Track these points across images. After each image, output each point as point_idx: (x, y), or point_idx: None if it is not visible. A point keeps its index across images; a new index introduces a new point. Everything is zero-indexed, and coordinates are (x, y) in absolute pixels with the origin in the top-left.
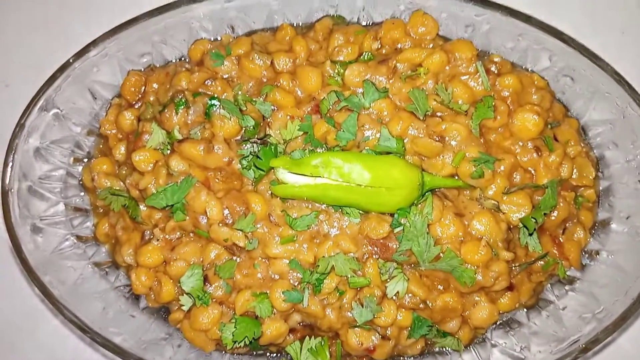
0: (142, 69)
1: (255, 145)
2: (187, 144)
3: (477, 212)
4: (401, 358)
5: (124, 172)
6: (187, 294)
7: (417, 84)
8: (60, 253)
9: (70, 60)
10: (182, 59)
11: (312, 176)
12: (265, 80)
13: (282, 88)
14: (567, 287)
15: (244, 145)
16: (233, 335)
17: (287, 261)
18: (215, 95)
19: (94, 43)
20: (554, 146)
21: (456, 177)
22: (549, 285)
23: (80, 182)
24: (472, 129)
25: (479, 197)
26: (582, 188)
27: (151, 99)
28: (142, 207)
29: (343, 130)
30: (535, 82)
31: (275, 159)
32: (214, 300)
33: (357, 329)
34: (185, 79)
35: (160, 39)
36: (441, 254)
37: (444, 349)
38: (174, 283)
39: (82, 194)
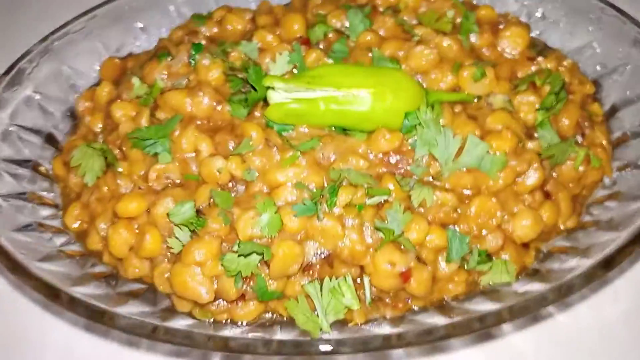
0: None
1: (243, 81)
2: (171, 93)
3: (491, 113)
4: (444, 301)
5: (100, 140)
6: (177, 227)
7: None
8: (23, 233)
9: (48, 34)
10: None
11: (309, 90)
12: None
13: (266, 29)
14: (606, 204)
15: (232, 87)
16: (237, 258)
17: (292, 186)
18: (200, 42)
19: (73, 20)
20: (546, 53)
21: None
22: (587, 208)
23: (51, 174)
24: (462, 43)
25: (486, 103)
26: (588, 102)
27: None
28: (120, 169)
29: (334, 51)
30: (509, 18)
31: (268, 75)
32: (211, 234)
33: (385, 251)
34: (166, 41)
35: (140, 24)
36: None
37: (493, 287)
38: (159, 231)
39: (52, 187)
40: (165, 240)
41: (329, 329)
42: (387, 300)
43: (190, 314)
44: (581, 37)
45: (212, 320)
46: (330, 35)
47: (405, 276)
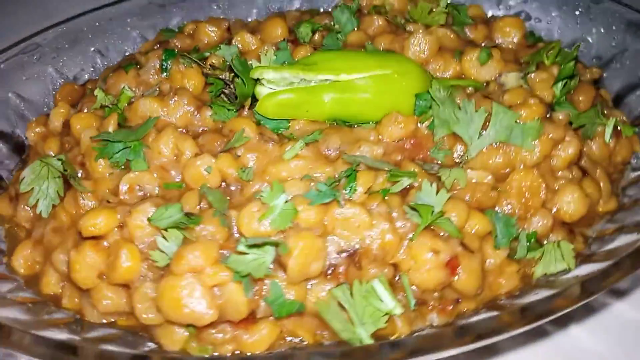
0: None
1: (225, 83)
2: (142, 100)
3: (508, 91)
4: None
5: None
6: (162, 237)
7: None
8: None
9: None
10: None
11: (304, 78)
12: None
13: (244, 33)
14: None
15: (212, 90)
16: (246, 258)
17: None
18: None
19: (22, 41)
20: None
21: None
22: (622, 190)
23: None
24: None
25: (498, 84)
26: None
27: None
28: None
29: (326, 45)
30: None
31: (257, 66)
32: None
33: (423, 239)
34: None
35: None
36: (487, 122)
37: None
38: (136, 247)
39: None
40: (145, 258)
41: (369, 339)
42: (432, 304)
43: (183, 353)
44: (571, 32)
45: (214, 355)
46: (316, 36)
47: (452, 266)
